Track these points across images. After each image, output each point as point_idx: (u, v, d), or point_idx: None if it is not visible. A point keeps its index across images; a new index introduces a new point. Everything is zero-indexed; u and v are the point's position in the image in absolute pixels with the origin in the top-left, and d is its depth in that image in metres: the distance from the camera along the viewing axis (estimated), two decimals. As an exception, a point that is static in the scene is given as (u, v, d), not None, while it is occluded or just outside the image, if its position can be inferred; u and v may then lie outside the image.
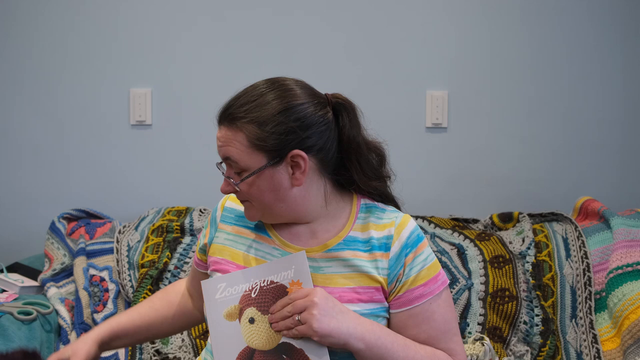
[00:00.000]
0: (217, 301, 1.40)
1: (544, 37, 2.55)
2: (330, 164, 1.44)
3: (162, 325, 1.65)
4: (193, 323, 1.71)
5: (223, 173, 1.44)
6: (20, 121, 2.63)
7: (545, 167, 2.59)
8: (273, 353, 1.34)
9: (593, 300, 2.16)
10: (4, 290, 2.27)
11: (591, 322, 2.14)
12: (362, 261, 1.41)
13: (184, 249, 2.33)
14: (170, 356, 2.18)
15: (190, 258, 2.31)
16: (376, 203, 1.50)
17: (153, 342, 2.18)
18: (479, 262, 2.25)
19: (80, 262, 2.32)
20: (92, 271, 2.31)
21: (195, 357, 2.17)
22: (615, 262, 2.15)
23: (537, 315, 2.16)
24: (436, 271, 1.45)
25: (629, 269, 2.12)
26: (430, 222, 2.41)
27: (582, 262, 2.22)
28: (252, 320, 1.37)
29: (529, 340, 2.13)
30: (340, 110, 1.44)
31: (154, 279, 2.25)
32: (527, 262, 2.23)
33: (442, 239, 2.32)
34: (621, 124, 2.57)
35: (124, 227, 2.44)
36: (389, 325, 1.43)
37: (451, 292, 2.14)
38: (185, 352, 2.18)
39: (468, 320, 2.16)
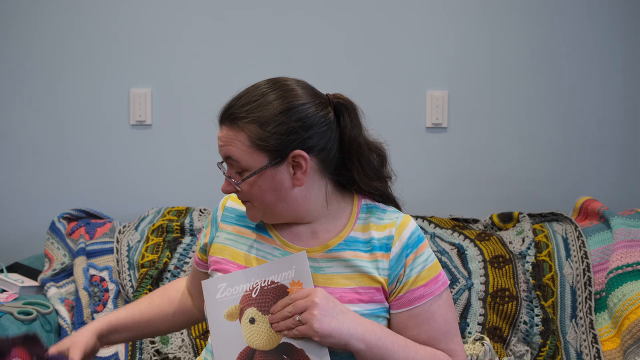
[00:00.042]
0: (217, 301, 1.40)
1: (544, 37, 2.55)
2: (332, 164, 1.44)
3: (161, 321, 1.65)
4: (192, 322, 1.71)
5: (224, 173, 1.44)
6: (20, 121, 2.63)
7: (545, 167, 2.59)
8: (273, 353, 1.34)
9: (593, 300, 2.16)
10: (4, 290, 2.27)
11: (591, 322, 2.14)
12: (363, 261, 1.41)
13: (184, 249, 2.33)
14: (170, 356, 2.18)
15: (190, 258, 2.31)
16: (377, 203, 1.50)
17: (153, 342, 2.18)
18: (479, 262, 2.25)
19: (80, 262, 2.32)
20: (92, 271, 2.31)
21: (195, 357, 2.17)
22: (615, 262, 2.15)
23: (537, 315, 2.16)
24: (437, 272, 1.44)
25: (629, 269, 2.12)
26: (430, 222, 2.41)
27: (582, 262, 2.22)
28: (252, 321, 1.37)
29: (529, 340, 2.13)
30: (342, 110, 1.44)
31: (154, 279, 2.25)
32: (527, 262, 2.23)
33: (442, 239, 2.32)
34: (621, 124, 2.58)
35: (124, 227, 2.44)
36: (389, 326, 1.43)
37: (451, 292, 2.14)
38: (185, 352, 2.18)
39: (468, 320, 2.16)
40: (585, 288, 2.18)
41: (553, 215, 2.41)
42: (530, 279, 2.20)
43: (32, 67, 2.61)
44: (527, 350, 2.12)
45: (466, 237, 2.33)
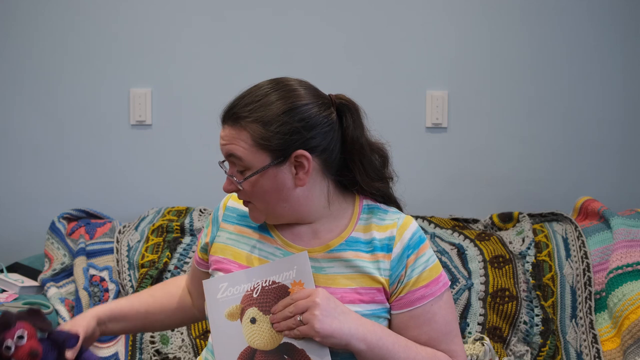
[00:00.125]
0: (218, 301, 1.40)
1: (544, 37, 2.55)
2: (334, 164, 1.44)
3: (160, 315, 1.64)
4: (191, 320, 1.70)
5: (226, 171, 1.44)
6: (20, 121, 2.63)
7: (545, 167, 2.59)
8: (274, 353, 1.34)
9: (593, 300, 2.16)
10: (4, 290, 2.27)
11: (591, 322, 2.14)
12: (364, 262, 1.42)
13: (184, 249, 2.33)
14: (170, 356, 2.18)
15: (190, 258, 2.31)
16: (378, 204, 1.50)
17: (153, 342, 2.18)
18: (479, 262, 2.25)
19: (80, 262, 2.32)
20: (92, 271, 2.31)
21: (195, 357, 2.17)
22: (615, 262, 2.15)
23: (537, 315, 2.16)
24: (438, 272, 1.45)
25: (629, 269, 2.12)
26: (430, 222, 2.41)
27: (582, 262, 2.22)
28: (253, 320, 1.37)
29: (529, 340, 2.13)
30: (344, 111, 1.44)
31: (154, 279, 2.25)
32: (527, 262, 2.23)
33: (442, 239, 2.32)
34: (621, 124, 2.58)
35: (124, 227, 2.44)
36: (390, 327, 1.43)
37: (451, 292, 2.14)
38: (185, 352, 2.18)
39: (468, 320, 2.16)
40: (585, 288, 2.18)
41: (553, 215, 2.41)
42: (530, 279, 2.20)
43: (32, 67, 2.61)
44: (527, 350, 2.12)
45: (466, 237, 2.33)
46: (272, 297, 1.38)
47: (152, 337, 2.20)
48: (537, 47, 2.56)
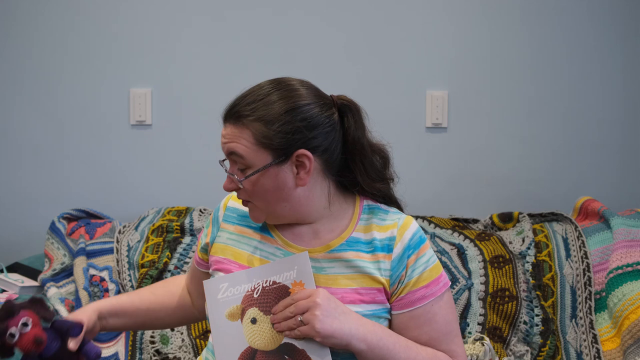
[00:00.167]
0: (219, 301, 1.40)
1: (544, 37, 2.55)
2: (335, 165, 1.44)
3: (160, 312, 1.64)
4: (190, 319, 1.70)
5: (226, 170, 1.44)
6: (20, 121, 2.63)
7: (545, 167, 2.59)
8: (275, 353, 1.34)
9: (593, 300, 2.16)
10: (4, 290, 2.27)
11: (591, 322, 2.14)
12: (365, 262, 1.42)
13: (184, 249, 2.33)
14: (170, 356, 2.18)
15: (190, 258, 2.31)
16: (379, 204, 1.50)
17: (153, 342, 2.18)
18: (479, 262, 2.25)
19: (80, 262, 2.32)
20: (92, 271, 2.31)
21: (196, 357, 2.17)
22: (615, 262, 2.15)
23: (537, 315, 2.16)
24: (438, 273, 1.45)
25: (629, 269, 2.12)
26: (430, 222, 2.41)
27: (582, 262, 2.22)
28: (254, 321, 1.37)
29: (529, 340, 2.13)
30: (346, 111, 1.44)
31: (154, 279, 2.25)
32: (527, 262, 2.23)
33: (442, 239, 2.32)
34: (621, 124, 2.58)
35: (124, 227, 2.44)
36: (390, 327, 1.43)
37: (451, 292, 2.14)
38: (185, 352, 2.18)
39: (468, 320, 2.16)
40: (585, 288, 2.18)
41: (553, 215, 2.41)
42: (530, 279, 2.20)
43: (32, 67, 2.61)
44: (527, 350, 2.12)
45: (466, 237, 2.33)
46: (272, 297, 1.38)
47: (152, 337, 2.20)
48: (537, 47, 2.56)
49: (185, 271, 2.28)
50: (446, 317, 1.44)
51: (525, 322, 2.15)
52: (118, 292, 2.27)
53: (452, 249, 2.29)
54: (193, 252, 2.32)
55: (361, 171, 1.45)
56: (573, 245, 2.26)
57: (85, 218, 2.50)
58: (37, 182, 2.64)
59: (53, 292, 2.25)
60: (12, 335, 1.34)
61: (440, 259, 2.11)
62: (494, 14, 2.56)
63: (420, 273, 1.42)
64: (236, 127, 1.38)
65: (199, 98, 2.60)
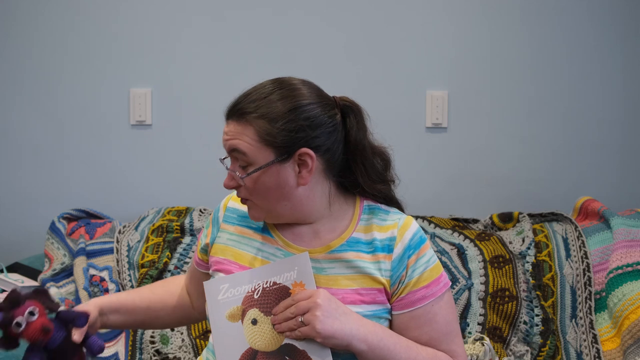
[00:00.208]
0: (219, 302, 1.40)
1: (544, 37, 2.55)
2: (336, 165, 1.44)
3: (160, 311, 1.63)
4: (189, 320, 1.70)
5: (227, 167, 1.43)
6: (20, 121, 2.63)
7: (545, 167, 2.59)
8: (276, 354, 1.34)
9: (593, 300, 2.16)
10: (4, 290, 2.27)
11: (591, 322, 2.14)
12: (365, 262, 1.42)
13: (184, 249, 2.33)
14: (170, 356, 2.18)
15: (190, 258, 2.31)
16: (379, 205, 1.50)
17: (153, 342, 2.18)
18: (479, 262, 2.25)
19: (80, 262, 2.32)
20: (92, 271, 2.31)
21: (196, 357, 2.17)
22: (615, 262, 2.15)
23: (537, 315, 2.16)
24: (438, 273, 1.45)
25: (629, 269, 2.12)
26: (430, 222, 2.41)
27: (582, 262, 2.22)
28: (254, 322, 1.37)
29: (529, 340, 2.13)
30: (348, 112, 1.45)
31: (154, 279, 2.25)
32: (527, 262, 2.23)
33: (442, 239, 2.32)
34: (621, 124, 2.58)
35: (124, 227, 2.44)
36: (391, 327, 1.43)
37: (451, 292, 2.14)
38: (185, 352, 2.18)
39: (468, 320, 2.16)
40: (585, 288, 2.18)
41: (553, 215, 2.41)
42: (530, 279, 2.20)
43: (32, 67, 2.61)
44: (527, 350, 2.12)
45: (466, 237, 2.33)
46: (273, 298, 1.38)
47: (152, 337, 2.20)
48: (537, 47, 2.56)
49: (185, 271, 2.28)
50: (446, 317, 1.44)
51: (525, 322, 2.15)
52: (118, 292, 2.27)
53: (452, 249, 2.29)
54: (193, 252, 2.32)
55: (362, 172, 1.45)
56: (573, 245, 2.27)
57: (85, 218, 2.49)
58: (37, 182, 2.64)
59: (53, 292, 2.25)
60: (19, 325, 1.33)
61: (440, 259, 2.11)
62: (494, 14, 2.56)
63: (421, 273, 1.42)
64: (239, 124, 1.38)
65: (199, 98, 2.60)
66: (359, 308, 1.39)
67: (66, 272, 2.36)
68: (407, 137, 2.58)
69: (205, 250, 1.56)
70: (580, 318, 2.17)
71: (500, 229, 2.41)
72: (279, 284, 1.39)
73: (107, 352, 2.17)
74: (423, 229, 2.33)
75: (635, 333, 2.00)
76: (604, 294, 2.15)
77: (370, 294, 1.41)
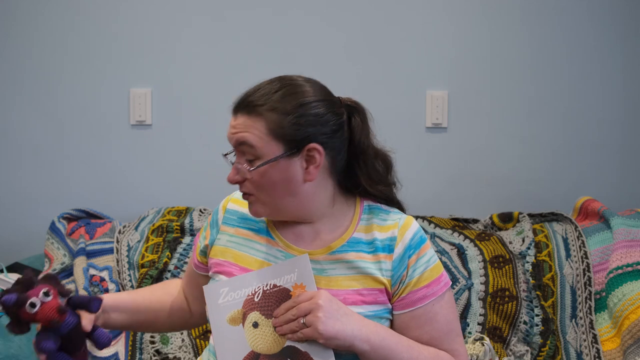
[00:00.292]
0: (219, 306, 1.40)
1: (544, 37, 2.55)
2: (339, 165, 1.45)
3: (159, 312, 1.62)
4: (188, 324, 1.68)
5: (232, 162, 1.43)
6: (20, 121, 2.63)
7: (545, 167, 2.59)
8: (278, 357, 1.34)
9: (593, 300, 2.16)
10: (4, 290, 2.27)
11: (591, 322, 2.14)
12: (366, 263, 1.42)
13: (184, 249, 2.33)
14: (170, 356, 2.18)
15: (190, 258, 2.31)
16: (379, 205, 1.50)
17: (153, 342, 2.18)
18: (479, 262, 2.25)
19: (80, 262, 2.32)
20: (92, 271, 2.31)
21: (196, 357, 2.17)
22: (615, 262, 2.15)
23: (537, 315, 2.16)
24: (439, 272, 1.45)
25: (629, 269, 2.13)
26: (430, 222, 2.41)
27: (582, 262, 2.22)
28: (256, 325, 1.37)
29: (529, 340, 2.13)
30: (353, 113, 1.45)
31: (154, 279, 2.25)
32: (527, 262, 2.23)
33: (442, 239, 2.32)
34: (621, 124, 2.58)
35: (124, 227, 2.44)
36: (392, 327, 1.44)
37: (452, 291, 2.13)
38: (185, 352, 2.18)
39: (468, 320, 2.16)
40: (585, 288, 2.18)
41: (553, 215, 2.41)
42: (530, 279, 2.20)
43: (32, 67, 2.61)
44: (527, 350, 2.12)
45: (466, 237, 2.33)
46: (273, 300, 1.37)
47: (152, 337, 2.20)
48: (537, 47, 2.56)
49: (185, 271, 2.28)
50: (447, 317, 1.44)
51: (525, 322, 2.15)
52: (118, 292, 2.27)
53: (452, 249, 2.29)
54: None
55: (364, 173, 1.46)
56: (573, 245, 2.27)
57: (85, 218, 2.49)
58: (37, 182, 2.64)
59: (53, 292, 2.25)
60: (33, 305, 1.30)
61: (440, 259, 2.10)
62: (494, 14, 2.56)
63: (421, 273, 1.43)
64: (249, 117, 1.38)
65: (199, 98, 2.60)
66: (360, 309, 1.39)
67: (66, 272, 2.36)
68: (407, 137, 2.58)
69: (205, 252, 1.55)
70: (580, 318, 2.17)
71: (500, 229, 2.41)
72: (280, 286, 1.39)
73: (107, 352, 2.17)
74: (423, 229, 2.34)
75: (635, 333, 2.00)
76: (604, 294, 2.15)
77: (372, 294, 1.41)
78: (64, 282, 2.33)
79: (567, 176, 2.58)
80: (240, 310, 1.39)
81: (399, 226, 1.44)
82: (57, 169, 2.63)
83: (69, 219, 2.48)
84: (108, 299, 1.55)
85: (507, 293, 2.19)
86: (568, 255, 2.25)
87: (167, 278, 2.26)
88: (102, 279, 2.30)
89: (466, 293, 2.20)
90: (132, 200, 2.62)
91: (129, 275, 2.29)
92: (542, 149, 2.58)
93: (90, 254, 2.35)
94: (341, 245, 1.44)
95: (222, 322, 1.39)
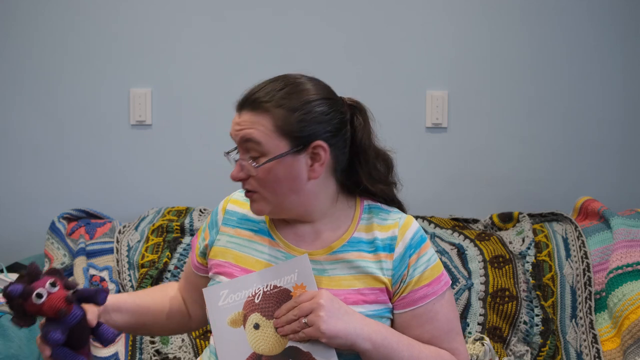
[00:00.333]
0: (220, 308, 1.40)
1: (544, 37, 2.55)
2: (341, 163, 1.45)
3: (159, 314, 1.62)
4: (186, 327, 1.67)
5: (236, 160, 1.42)
6: (20, 121, 2.63)
7: (545, 167, 2.59)
8: (280, 358, 1.34)
9: (593, 300, 2.16)
10: (3, 291, 2.27)
11: (591, 322, 2.14)
12: (367, 262, 1.42)
13: (184, 249, 2.33)
14: (170, 356, 2.18)
15: (188, 261, 2.30)
16: (379, 204, 1.50)
17: (153, 342, 2.18)
18: (479, 262, 2.25)
19: (80, 262, 2.32)
20: (92, 271, 2.31)
21: (196, 357, 2.17)
22: (615, 262, 2.15)
23: (537, 315, 2.16)
24: (439, 271, 1.46)
25: (629, 269, 2.13)
26: (430, 222, 2.41)
27: (582, 262, 2.22)
28: (257, 326, 1.37)
29: (529, 340, 2.13)
30: (355, 112, 1.46)
31: (154, 279, 2.25)
32: (527, 262, 2.23)
33: (442, 239, 2.32)
34: (621, 124, 2.58)
35: (124, 227, 2.44)
36: (392, 326, 1.44)
37: (452, 291, 2.14)
38: (185, 352, 2.18)
39: (468, 320, 2.16)
40: (585, 288, 2.18)
41: (553, 215, 2.41)
42: (530, 279, 2.20)
43: (32, 67, 2.61)
44: (527, 350, 2.12)
45: (466, 237, 2.33)
46: (274, 301, 1.37)
47: (152, 337, 2.19)
48: (537, 47, 2.56)
49: (182, 275, 2.27)
50: (448, 316, 1.45)
51: (525, 322, 2.15)
52: (118, 292, 2.27)
53: (452, 249, 2.29)
54: (191, 254, 2.32)
55: (365, 172, 1.46)
56: (573, 245, 2.27)
57: (85, 218, 2.49)
58: (37, 182, 2.64)
59: (53, 292, 2.25)
60: (40, 296, 1.27)
61: (440, 259, 2.11)
62: (494, 14, 2.56)
63: (422, 272, 1.43)
64: (255, 114, 1.38)
65: (199, 98, 2.60)
66: (361, 308, 1.39)
67: (66, 272, 2.35)
68: (407, 137, 2.58)
69: (205, 253, 1.55)
70: (580, 318, 2.17)
71: (500, 229, 2.41)
72: (280, 287, 1.39)
73: (107, 352, 2.17)
74: (423, 229, 2.34)
75: (635, 333, 2.00)
76: (604, 294, 2.15)
77: (373, 293, 1.41)
78: (64, 281, 2.33)
79: (567, 176, 2.58)
80: (241, 312, 1.39)
81: (400, 225, 1.45)
82: (57, 169, 2.63)
83: (69, 219, 2.48)
84: (110, 299, 1.55)
85: (507, 293, 2.19)
86: (568, 255, 2.25)
87: (167, 278, 2.26)
88: (102, 279, 2.30)
89: (466, 293, 2.20)
90: (132, 200, 2.62)
91: (129, 275, 2.29)
92: (542, 149, 2.58)
93: (90, 254, 2.35)
94: (342, 245, 1.44)
95: (223, 325, 1.39)
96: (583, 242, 2.26)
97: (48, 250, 2.41)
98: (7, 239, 2.65)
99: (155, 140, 2.62)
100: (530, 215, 2.42)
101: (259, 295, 1.39)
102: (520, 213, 2.42)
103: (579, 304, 2.18)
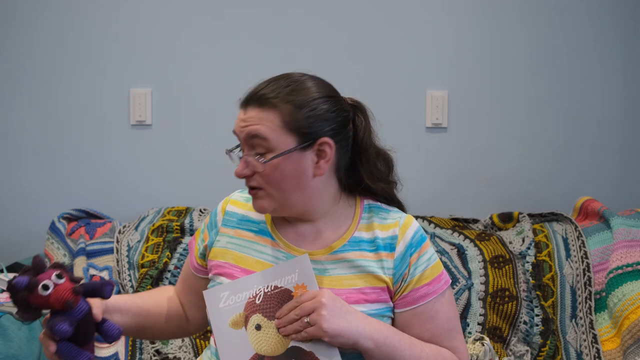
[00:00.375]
0: (221, 310, 1.39)
1: (544, 37, 2.55)
2: (344, 162, 1.45)
3: (159, 316, 1.60)
4: (185, 330, 1.66)
5: (240, 157, 1.42)
6: (20, 121, 2.63)
7: (545, 167, 2.59)
8: (283, 358, 1.34)
9: (593, 300, 2.16)
10: (4, 290, 2.27)
11: (591, 322, 2.14)
12: (368, 261, 1.42)
13: (184, 249, 2.33)
14: (170, 356, 2.18)
15: (186, 263, 2.30)
16: (379, 204, 1.51)
17: (153, 342, 2.18)
18: (479, 262, 2.25)
19: (80, 262, 2.32)
20: (92, 271, 2.31)
21: (196, 357, 2.17)
22: (615, 262, 2.15)
23: (537, 315, 2.16)
24: (439, 270, 1.46)
25: (629, 269, 2.13)
26: (430, 222, 2.41)
27: (582, 262, 2.22)
28: (258, 327, 1.37)
29: (529, 340, 2.13)
30: (357, 112, 1.47)
31: (154, 279, 2.25)
32: (527, 262, 2.23)
33: (442, 239, 2.32)
34: (621, 124, 2.58)
35: (124, 227, 2.44)
36: (393, 325, 1.44)
37: (452, 290, 2.14)
38: (185, 352, 2.18)
39: (468, 320, 2.16)
40: (585, 288, 2.18)
41: (553, 215, 2.41)
42: (530, 279, 2.20)
43: (32, 67, 2.61)
44: (527, 350, 2.12)
45: (466, 237, 2.33)
46: (275, 302, 1.37)
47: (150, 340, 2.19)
48: (537, 47, 2.56)
49: (179, 278, 2.26)
50: (448, 314, 1.45)
51: (525, 322, 2.15)
52: (118, 292, 2.27)
53: (452, 249, 2.29)
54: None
55: (366, 170, 1.47)
56: (573, 245, 2.27)
57: (85, 218, 2.49)
58: (37, 182, 2.64)
59: (53, 292, 2.25)
60: (46, 287, 1.25)
61: (440, 259, 2.11)
62: (494, 14, 2.56)
63: (423, 271, 1.43)
64: (262, 110, 1.38)
65: (199, 98, 2.60)
66: (362, 307, 1.39)
67: (66, 272, 2.35)
68: (407, 137, 2.58)
69: (204, 254, 1.55)
70: (580, 318, 2.17)
71: (500, 229, 2.41)
72: (281, 287, 1.38)
73: (107, 352, 2.17)
74: (423, 228, 2.34)
75: (635, 333, 2.00)
76: (604, 294, 2.15)
77: (374, 292, 1.41)
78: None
79: (567, 176, 2.58)
80: (242, 313, 1.38)
81: (400, 225, 1.45)
82: (57, 169, 2.63)
83: (69, 219, 2.48)
84: (110, 299, 1.55)
85: (507, 293, 2.19)
86: (568, 255, 2.25)
87: (167, 278, 2.26)
88: (102, 279, 2.30)
89: (466, 293, 2.20)
90: (132, 200, 2.62)
91: (129, 275, 2.29)
92: (542, 149, 2.58)
93: (90, 254, 2.35)
94: (342, 244, 1.44)
95: (224, 326, 1.38)
96: (583, 242, 2.26)
97: (48, 250, 2.41)
98: (7, 239, 2.65)
99: (155, 140, 2.62)
100: (530, 215, 2.42)
101: (260, 296, 1.39)
102: (520, 213, 2.42)
103: (579, 304, 2.18)
